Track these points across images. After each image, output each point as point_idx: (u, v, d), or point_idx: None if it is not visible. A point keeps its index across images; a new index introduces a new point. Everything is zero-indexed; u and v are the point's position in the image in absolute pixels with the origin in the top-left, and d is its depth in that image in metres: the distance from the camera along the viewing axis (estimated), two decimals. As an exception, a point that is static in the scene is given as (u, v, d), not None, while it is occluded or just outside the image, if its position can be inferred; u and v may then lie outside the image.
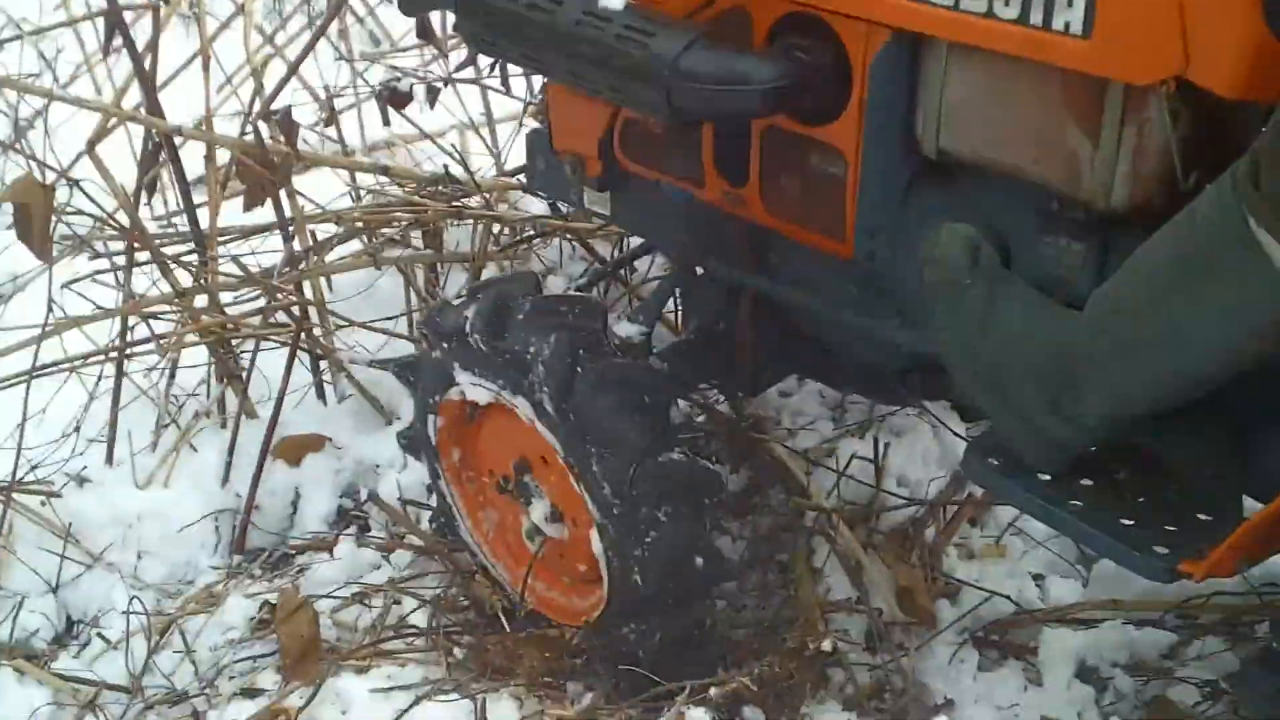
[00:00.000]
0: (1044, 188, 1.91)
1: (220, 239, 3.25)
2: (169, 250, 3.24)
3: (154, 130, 3.11)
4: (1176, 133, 1.74)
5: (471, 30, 2.31)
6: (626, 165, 2.45)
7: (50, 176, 2.91)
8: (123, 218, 3.12)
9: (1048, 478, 1.89)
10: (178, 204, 3.50)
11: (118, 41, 3.12)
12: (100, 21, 3.31)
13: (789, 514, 2.79)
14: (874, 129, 2.03)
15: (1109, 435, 1.82)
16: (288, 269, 3.22)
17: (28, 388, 3.01)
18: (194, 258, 3.22)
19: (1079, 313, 1.80)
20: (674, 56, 2.00)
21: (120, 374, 3.14)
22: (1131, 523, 1.80)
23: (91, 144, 3.07)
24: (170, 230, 3.61)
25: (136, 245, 3.12)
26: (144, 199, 3.28)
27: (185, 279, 3.17)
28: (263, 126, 3.10)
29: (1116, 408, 1.77)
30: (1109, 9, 1.71)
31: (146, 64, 3.05)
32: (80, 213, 3.08)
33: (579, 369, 2.27)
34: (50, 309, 3.01)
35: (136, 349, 3.20)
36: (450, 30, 3.44)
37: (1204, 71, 1.67)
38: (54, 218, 2.84)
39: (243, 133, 3.21)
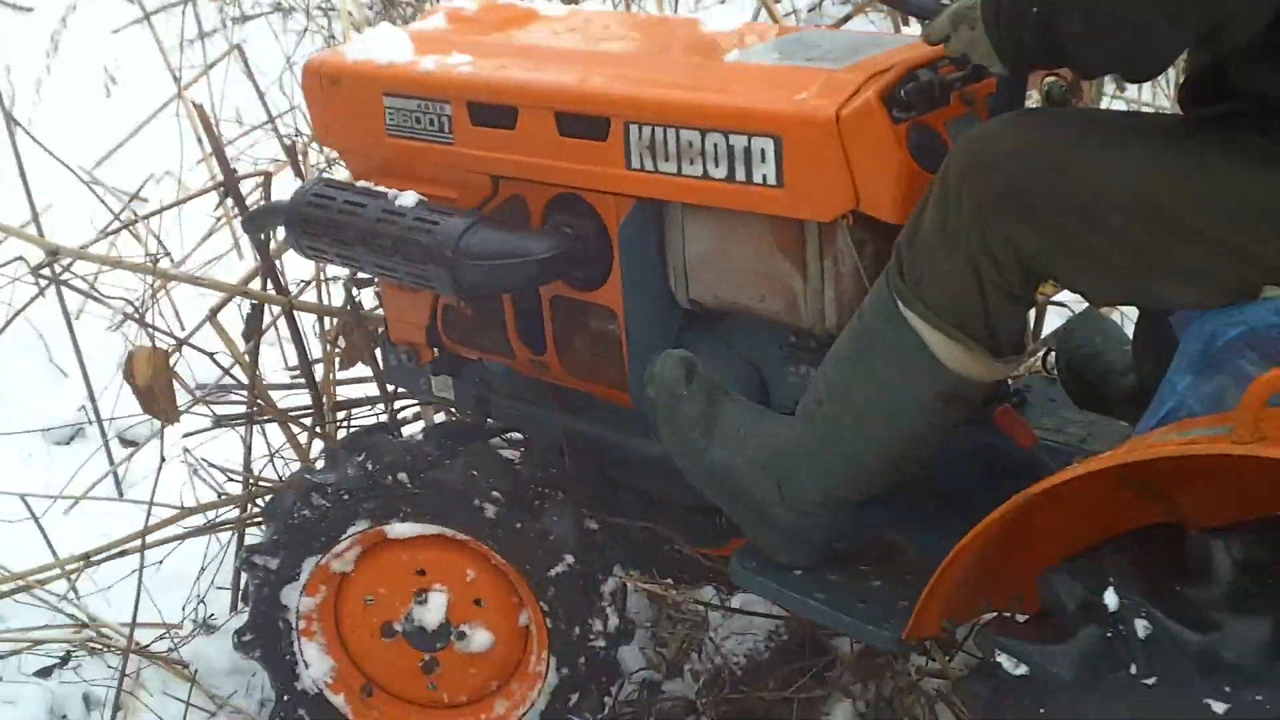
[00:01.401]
0: (778, 323, 2.20)
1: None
2: (287, 405, 3.31)
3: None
4: (863, 258, 2.04)
5: (296, 240, 2.61)
6: (453, 348, 2.73)
7: (166, 341, 3.08)
8: (240, 375, 3.22)
9: (799, 573, 2.12)
10: (286, 363, 3.66)
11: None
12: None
13: (911, 678, 2.77)
14: (632, 286, 2.32)
15: (834, 521, 2.06)
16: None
17: (143, 544, 3.10)
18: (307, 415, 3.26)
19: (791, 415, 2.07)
20: (456, 238, 2.30)
21: (243, 536, 3.22)
22: (865, 604, 2.03)
23: (214, 313, 3.18)
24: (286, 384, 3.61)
25: (258, 403, 3.21)
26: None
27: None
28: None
29: (830, 489, 2.02)
30: (794, 162, 2.04)
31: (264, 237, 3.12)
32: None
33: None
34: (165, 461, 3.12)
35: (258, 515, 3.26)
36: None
37: (872, 203, 1.99)
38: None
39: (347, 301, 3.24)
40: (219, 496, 3.29)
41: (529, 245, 2.32)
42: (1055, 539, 1.75)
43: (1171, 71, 1.96)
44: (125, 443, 3.89)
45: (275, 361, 3.69)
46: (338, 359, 3.20)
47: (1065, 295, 2.12)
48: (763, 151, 2.05)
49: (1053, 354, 2.45)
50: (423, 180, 2.49)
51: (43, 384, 4.21)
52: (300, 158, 3.48)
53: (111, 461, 3.75)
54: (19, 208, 3.80)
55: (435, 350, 2.75)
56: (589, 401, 2.58)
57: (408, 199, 2.43)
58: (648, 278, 2.32)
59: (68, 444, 4.04)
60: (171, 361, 3.04)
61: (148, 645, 3.09)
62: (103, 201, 3.99)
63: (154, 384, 2.95)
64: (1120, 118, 1.89)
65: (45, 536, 3.29)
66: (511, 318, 2.55)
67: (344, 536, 2.53)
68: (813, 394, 2.04)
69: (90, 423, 3.90)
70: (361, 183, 2.56)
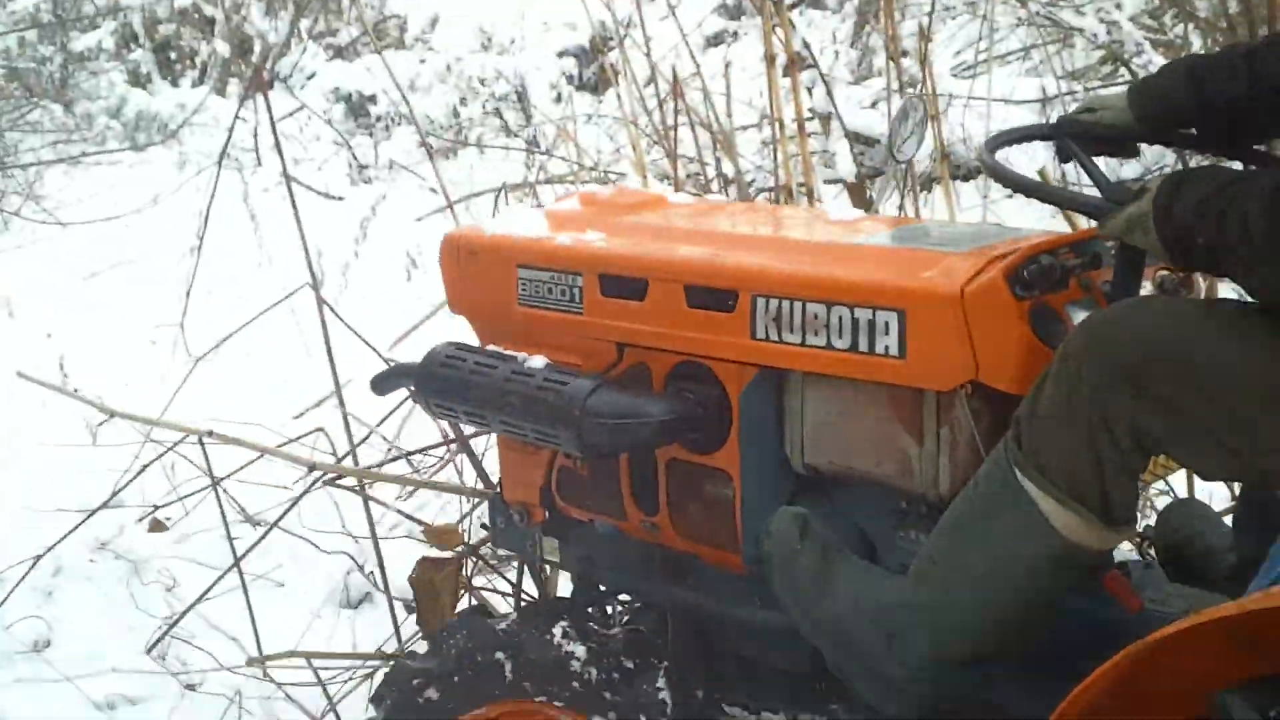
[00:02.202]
0: (891, 489, 2.30)
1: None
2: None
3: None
4: (979, 426, 2.15)
5: (426, 400, 2.76)
6: (565, 510, 2.84)
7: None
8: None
9: None
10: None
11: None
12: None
13: None
14: (750, 451, 2.44)
15: (942, 679, 2.13)
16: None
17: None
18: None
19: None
20: (583, 398, 2.44)
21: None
22: None
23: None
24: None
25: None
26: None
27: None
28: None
29: (940, 648, 2.09)
30: (917, 333, 2.17)
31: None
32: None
33: None
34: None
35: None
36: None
37: (991, 374, 2.11)
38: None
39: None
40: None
41: (651, 407, 2.45)
42: (1162, 698, 1.81)
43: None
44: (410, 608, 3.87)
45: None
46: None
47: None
48: (887, 324, 2.19)
49: (1147, 542, 2.53)
50: (550, 347, 2.64)
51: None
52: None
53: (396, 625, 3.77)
54: (324, 382, 3.95)
55: (546, 513, 2.86)
56: (692, 568, 2.67)
57: (536, 362, 2.57)
58: (765, 443, 2.43)
59: (355, 608, 4.12)
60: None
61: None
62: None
63: (440, 592, 3.07)
64: (1232, 305, 2.02)
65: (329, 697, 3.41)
66: (627, 479, 2.66)
67: None
68: (926, 555, 2.14)
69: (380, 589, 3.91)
70: (491, 347, 2.72)
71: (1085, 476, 1.96)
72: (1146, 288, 2.21)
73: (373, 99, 9.79)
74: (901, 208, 4.40)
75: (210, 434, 3.73)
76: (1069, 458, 1.96)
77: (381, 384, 2.97)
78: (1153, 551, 2.46)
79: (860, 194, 5.80)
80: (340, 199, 8.08)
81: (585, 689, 2.54)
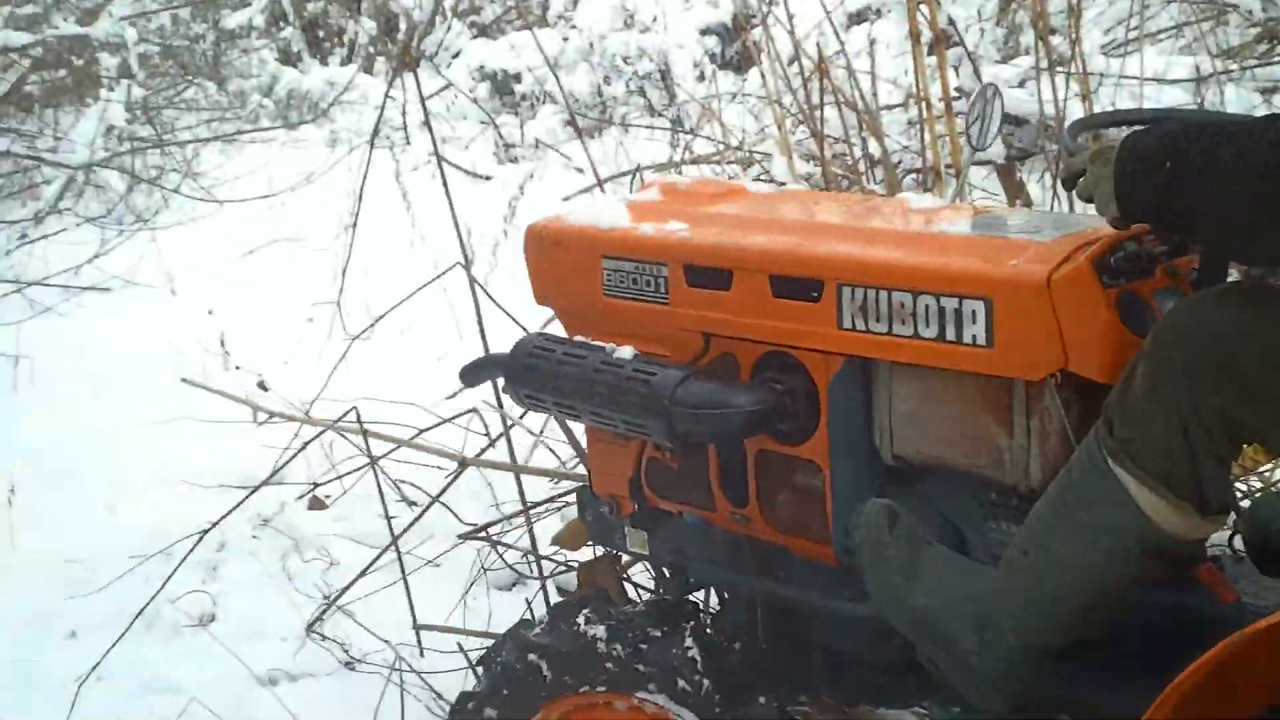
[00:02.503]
0: (981, 480, 2.28)
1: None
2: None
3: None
4: (1069, 416, 2.13)
5: (516, 390, 2.78)
6: (654, 501, 2.85)
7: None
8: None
9: None
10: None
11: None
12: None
13: None
14: (839, 441, 2.43)
15: (1032, 669, 2.11)
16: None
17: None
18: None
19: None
20: (672, 388, 2.45)
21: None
22: None
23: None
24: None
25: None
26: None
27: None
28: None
29: (1031, 636, 2.08)
30: (1005, 323, 2.15)
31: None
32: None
33: None
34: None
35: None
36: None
37: (1081, 363, 2.09)
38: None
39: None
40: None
41: (739, 398, 2.45)
42: (1259, 689, 1.79)
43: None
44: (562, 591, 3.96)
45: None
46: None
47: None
48: (974, 313, 2.17)
49: (1238, 537, 2.49)
50: (636, 337, 2.65)
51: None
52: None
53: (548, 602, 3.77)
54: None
55: (635, 505, 2.88)
56: (781, 560, 2.67)
57: (625, 352, 2.58)
58: (854, 433, 2.43)
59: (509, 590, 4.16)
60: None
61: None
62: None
63: (607, 590, 3.06)
64: None
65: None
66: (716, 470, 2.66)
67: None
68: (1017, 544, 2.12)
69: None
70: (578, 338, 2.74)
71: (1177, 464, 1.93)
72: (1233, 275, 2.18)
73: (517, 77, 9.79)
74: (1054, 191, 4.32)
75: (363, 429, 3.90)
76: (1161, 446, 1.94)
77: (472, 375, 2.99)
78: (1240, 544, 2.42)
79: (1010, 176, 5.71)
80: (488, 178, 8.13)
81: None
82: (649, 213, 2.76)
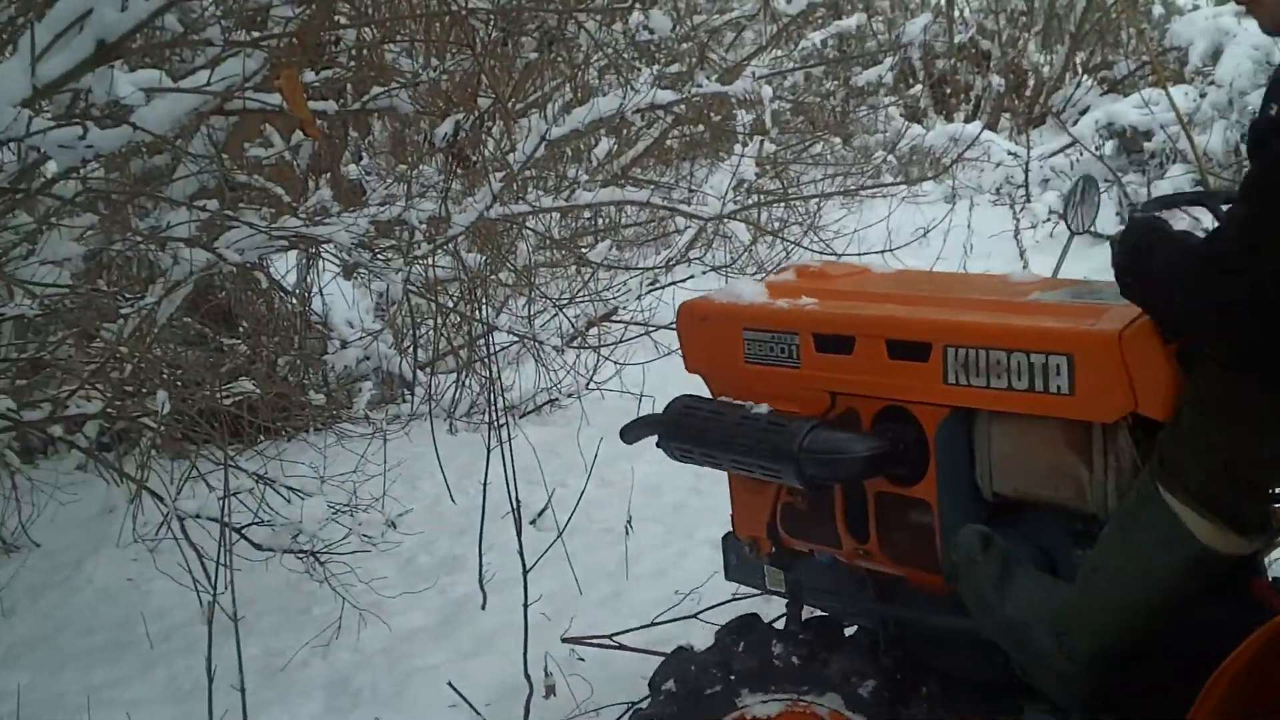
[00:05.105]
0: (1068, 511, 2.66)
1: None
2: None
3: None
4: (1141, 452, 2.50)
5: (669, 445, 3.22)
6: (789, 543, 3.25)
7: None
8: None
9: None
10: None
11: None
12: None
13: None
14: (946, 482, 2.82)
15: (1103, 671, 2.47)
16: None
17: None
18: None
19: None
20: (801, 437, 2.86)
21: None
22: None
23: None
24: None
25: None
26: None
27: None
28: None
29: (1100, 643, 2.44)
30: (1084, 374, 2.54)
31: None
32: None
33: None
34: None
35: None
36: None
37: (1148, 406, 2.47)
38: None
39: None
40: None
41: (859, 444, 2.86)
42: None
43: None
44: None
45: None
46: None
47: None
48: (1058, 366, 2.56)
49: None
50: (772, 396, 3.07)
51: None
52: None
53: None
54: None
55: (772, 545, 3.28)
56: (900, 590, 3.05)
57: (761, 409, 3.01)
58: (959, 474, 2.81)
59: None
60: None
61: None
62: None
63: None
64: None
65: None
66: (841, 511, 3.06)
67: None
68: (1089, 563, 2.50)
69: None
70: (722, 398, 3.17)
71: (1220, 492, 2.30)
72: None
73: (1147, 135, 9.53)
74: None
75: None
76: (1204, 476, 2.30)
77: (631, 433, 3.42)
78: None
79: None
80: (1109, 238, 8.27)
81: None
82: (784, 291, 3.20)
